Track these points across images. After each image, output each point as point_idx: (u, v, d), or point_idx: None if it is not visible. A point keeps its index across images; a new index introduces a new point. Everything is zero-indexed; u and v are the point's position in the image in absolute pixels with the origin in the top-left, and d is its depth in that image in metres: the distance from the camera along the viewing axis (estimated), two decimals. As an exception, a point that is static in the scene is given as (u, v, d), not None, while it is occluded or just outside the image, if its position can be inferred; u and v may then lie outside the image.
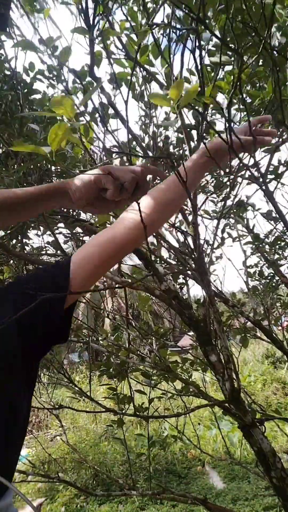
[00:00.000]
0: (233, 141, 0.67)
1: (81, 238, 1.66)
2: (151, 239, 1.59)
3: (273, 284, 1.97)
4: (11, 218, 0.74)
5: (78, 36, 0.65)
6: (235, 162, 1.19)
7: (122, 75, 0.85)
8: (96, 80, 0.55)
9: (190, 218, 1.20)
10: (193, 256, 1.11)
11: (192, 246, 1.12)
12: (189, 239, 1.17)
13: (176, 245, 1.55)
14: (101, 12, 0.54)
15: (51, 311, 0.61)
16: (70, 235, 1.64)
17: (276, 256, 1.75)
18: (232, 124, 0.70)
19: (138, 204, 0.58)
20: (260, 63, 0.91)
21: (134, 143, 1.26)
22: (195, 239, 1.08)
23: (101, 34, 0.71)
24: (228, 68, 1.01)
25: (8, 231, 1.61)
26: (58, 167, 1.41)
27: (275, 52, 0.86)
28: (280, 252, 1.80)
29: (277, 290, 2.04)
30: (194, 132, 1.16)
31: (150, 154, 1.24)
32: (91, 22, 0.53)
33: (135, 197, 0.67)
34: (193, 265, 1.13)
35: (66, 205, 0.74)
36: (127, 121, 0.80)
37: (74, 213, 1.52)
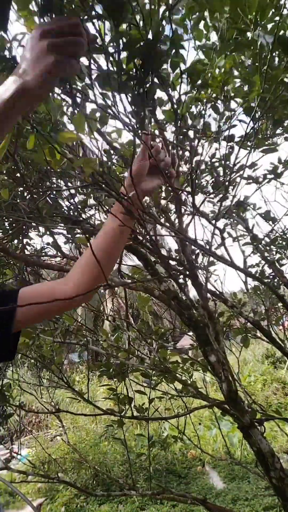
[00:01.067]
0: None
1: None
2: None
3: (274, 284, 1.97)
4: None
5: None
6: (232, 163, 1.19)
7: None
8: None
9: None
10: (183, 260, 1.11)
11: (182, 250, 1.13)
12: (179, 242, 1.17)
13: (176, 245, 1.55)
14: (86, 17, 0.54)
15: None
16: (70, 237, 1.64)
17: (278, 255, 1.75)
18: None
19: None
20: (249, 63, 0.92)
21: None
22: (191, 244, 1.08)
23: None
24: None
25: (9, 232, 1.61)
26: (58, 169, 1.41)
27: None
28: (282, 252, 1.80)
29: (277, 290, 2.03)
30: (192, 133, 1.16)
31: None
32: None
33: None
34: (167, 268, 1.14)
35: None
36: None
37: (74, 214, 1.52)
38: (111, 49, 0.67)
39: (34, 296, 0.74)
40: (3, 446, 2.16)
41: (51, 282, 0.82)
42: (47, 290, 0.76)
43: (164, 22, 0.70)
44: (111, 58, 0.67)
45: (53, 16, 0.59)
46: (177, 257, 1.12)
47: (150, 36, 0.64)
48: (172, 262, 1.58)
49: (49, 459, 4.60)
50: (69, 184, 1.50)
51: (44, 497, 4.16)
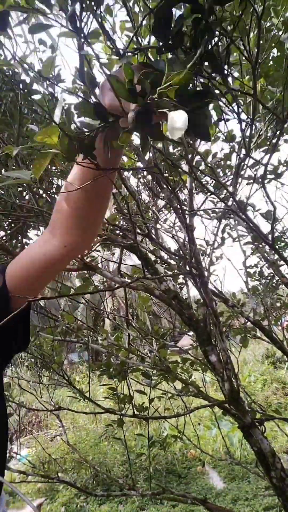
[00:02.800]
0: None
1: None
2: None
3: (273, 284, 1.97)
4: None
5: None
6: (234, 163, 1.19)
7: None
8: (86, 84, 0.53)
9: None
10: (188, 258, 1.11)
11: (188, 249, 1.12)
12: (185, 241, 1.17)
13: (176, 245, 1.55)
14: (88, 13, 0.52)
15: None
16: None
17: (276, 256, 1.75)
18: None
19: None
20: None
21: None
22: (191, 243, 1.08)
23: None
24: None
25: (8, 231, 1.61)
26: (58, 168, 1.41)
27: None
28: (280, 252, 1.80)
29: (277, 290, 2.04)
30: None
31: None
32: (78, 24, 0.51)
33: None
34: (190, 269, 1.13)
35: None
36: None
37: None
38: None
39: (25, 266, 0.70)
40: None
41: (37, 247, 0.71)
42: (38, 258, 0.70)
43: None
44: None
45: None
46: (185, 255, 1.12)
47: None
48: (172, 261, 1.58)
49: (49, 459, 4.59)
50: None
51: (44, 497, 4.15)
